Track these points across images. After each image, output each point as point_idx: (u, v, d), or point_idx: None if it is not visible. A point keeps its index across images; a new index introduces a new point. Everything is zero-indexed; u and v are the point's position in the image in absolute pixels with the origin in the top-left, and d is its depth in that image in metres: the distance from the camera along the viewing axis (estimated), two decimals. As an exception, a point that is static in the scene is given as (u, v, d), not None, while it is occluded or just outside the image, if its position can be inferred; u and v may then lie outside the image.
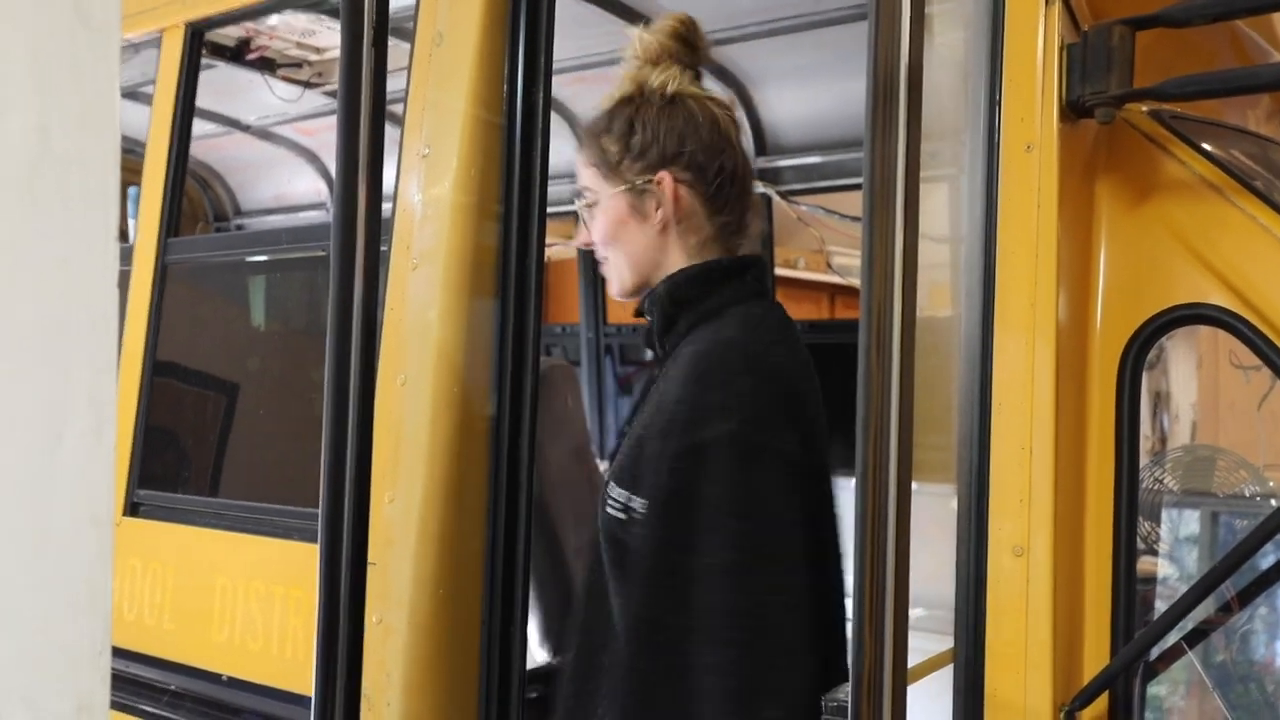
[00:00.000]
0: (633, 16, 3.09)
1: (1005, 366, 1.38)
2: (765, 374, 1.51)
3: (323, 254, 2.68)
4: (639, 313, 1.71)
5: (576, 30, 3.08)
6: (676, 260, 1.63)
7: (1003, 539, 1.36)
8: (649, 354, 5.32)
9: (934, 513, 1.44)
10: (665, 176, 1.61)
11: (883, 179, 1.16)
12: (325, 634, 1.60)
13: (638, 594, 1.51)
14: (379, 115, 1.61)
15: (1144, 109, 1.50)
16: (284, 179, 4.74)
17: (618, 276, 1.68)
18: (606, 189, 1.65)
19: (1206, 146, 1.47)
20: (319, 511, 1.60)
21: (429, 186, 1.88)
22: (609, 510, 1.57)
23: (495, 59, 1.88)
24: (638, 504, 1.53)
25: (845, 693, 1.22)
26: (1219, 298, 1.39)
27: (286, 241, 2.52)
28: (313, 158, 4.53)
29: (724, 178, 1.62)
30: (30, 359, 0.67)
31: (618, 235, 1.65)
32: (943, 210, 1.44)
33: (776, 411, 1.48)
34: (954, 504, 1.43)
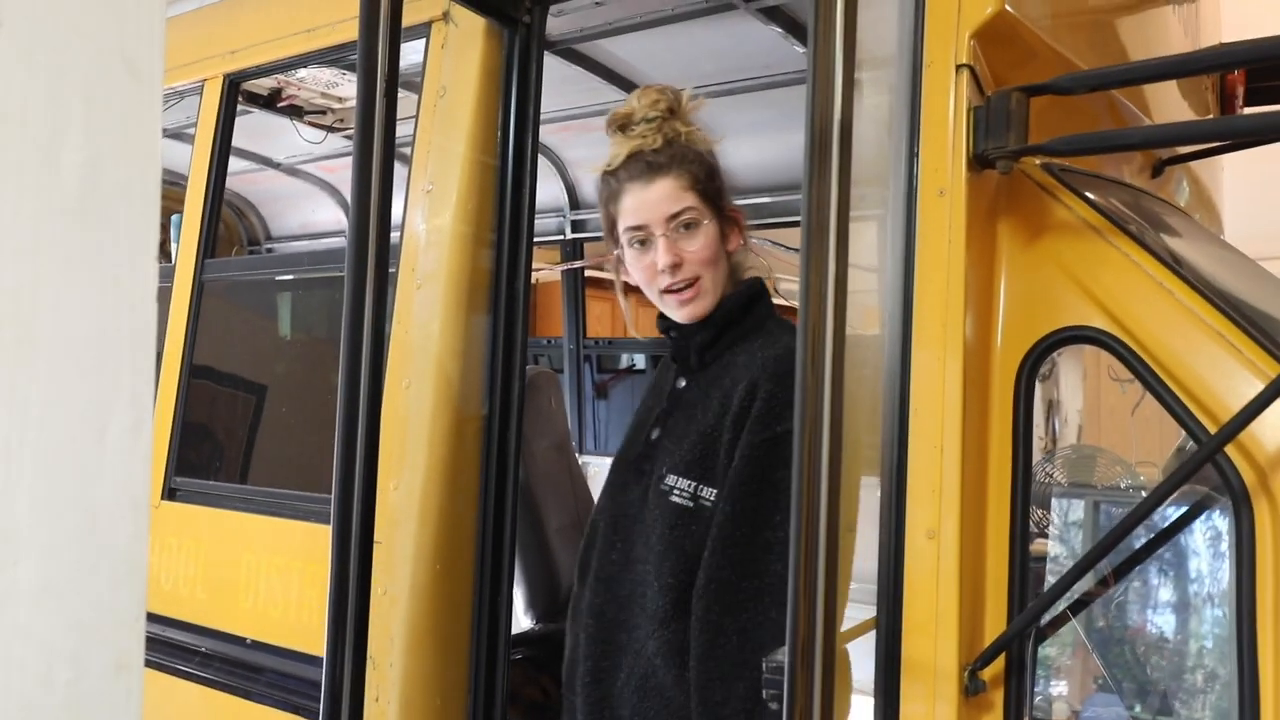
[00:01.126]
0: (612, 77, 3.12)
1: (921, 377, 1.39)
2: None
3: (339, 274, 2.67)
4: (668, 330, 1.65)
5: (562, 86, 3.09)
6: (723, 293, 1.61)
7: (918, 523, 1.37)
8: (624, 362, 5.27)
9: (862, 502, 1.44)
10: (738, 212, 1.62)
11: (818, 217, 1.17)
12: (336, 603, 1.59)
13: (716, 560, 1.48)
14: (389, 156, 1.61)
15: (1038, 162, 1.51)
16: (309, 210, 4.71)
17: (711, 295, 1.59)
18: (707, 211, 1.58)
19: (1089, 195, 1.48)
20: (332, 497, 1.59)
21: (432, 217, 1.87)
22: (673, 500, 1.54)
23: (490, 109, 1.88)
24: (708, 493, 1.51)
25: (783, 654, 1.22)
26: (1099, 321, 1.40)
27: (306, 263, 2.51)
28: (334, 191, 4.51)
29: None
30: (80, 364, 0.67)
31: (718, 256, 1.59)
32: (870, 244, 1.44)
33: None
34: (877, 494, 1.44)
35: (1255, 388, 1.26)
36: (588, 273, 4.40)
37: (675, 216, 1.57)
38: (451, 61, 1.90)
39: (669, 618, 1.50)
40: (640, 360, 4.61)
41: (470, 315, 1.86)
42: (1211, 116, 2.05)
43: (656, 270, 1.58)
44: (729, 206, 1.63)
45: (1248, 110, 2.47)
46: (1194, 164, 2.12)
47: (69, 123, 0.68)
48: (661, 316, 1.67)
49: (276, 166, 4.30)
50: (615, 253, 1.67)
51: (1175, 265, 1.38)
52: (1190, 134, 1.32)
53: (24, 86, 0.64)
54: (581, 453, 4.12)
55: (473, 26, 1.88)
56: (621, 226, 1.62)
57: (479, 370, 1.87)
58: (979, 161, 1.39)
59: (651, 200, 1.58)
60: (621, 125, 1.63)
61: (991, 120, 1.34)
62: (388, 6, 1.58)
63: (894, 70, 1.43)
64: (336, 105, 3.78)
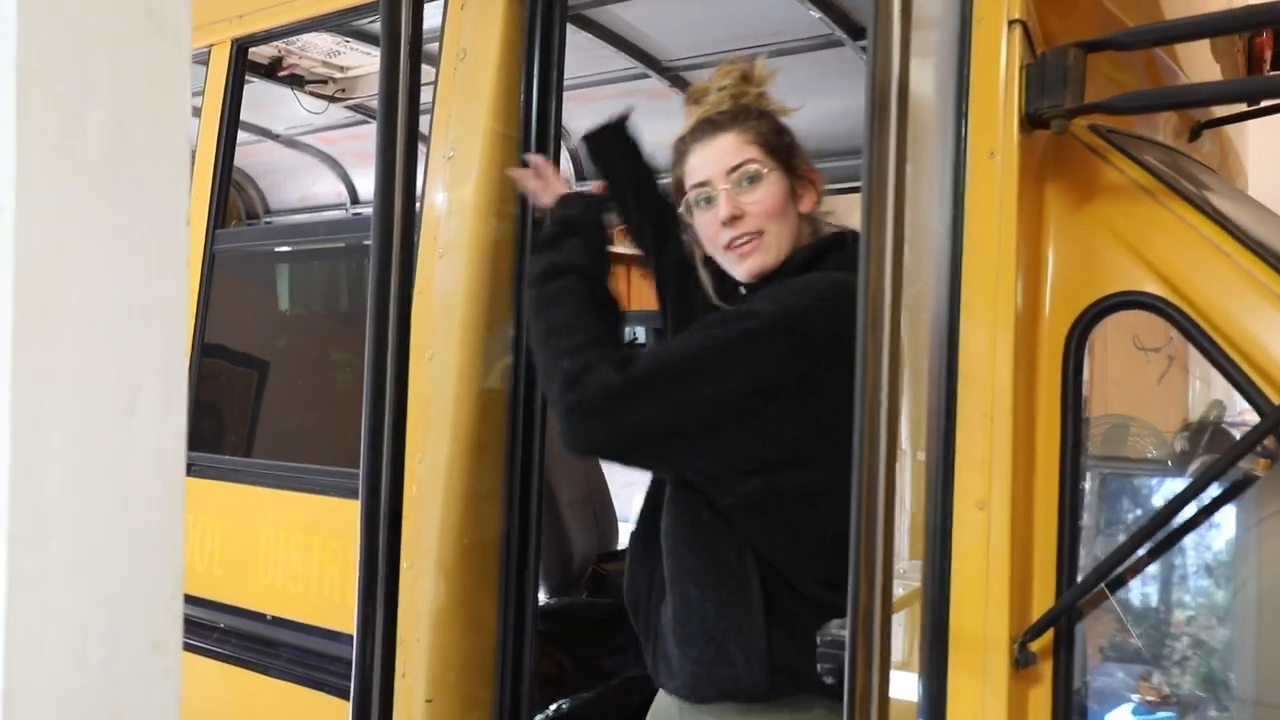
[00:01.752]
0: (621, 44, 3.05)
1: (970, 343, 1.35)
2: (842, 307, 1.38)
3: (343, 245, 2.62)
4: (741, 293, 1.61)
5: (569, 54, 3.03)
6: (789, 249, 1.56)
7: (967, 494, 1.33)
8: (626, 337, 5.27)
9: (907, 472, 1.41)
10: (814, 171, 1.57)
11: (878, 179, 1.13)
12: (366, 579, 1.55)
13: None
14: (413, 120, 1.55)
15: (1084, 123, 1.47)
16: (308, 182, 4.64)
17: (775, 250, 1.54)
18: (772, 164, 1.54)
19: (1139, 156, 1.44)
20: (360, 471, 1.55)
21: (453, 186, 1.82)
22: None
23: (513, 73, 1.82)
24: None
25: (837, 627, 1.18)
26: (1152, 286, 1.36)
27: (323, 233, 2.45)
28: (334, 164, 4.44)
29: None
30: (109, 334, 0.64)
31: (784, 210, 1.54)
32: (918, 209, 1.40)
33: (821, 338, 1.40)
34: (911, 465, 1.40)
35: (1319, 353, 1.22)
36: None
37: (736, 169, 1.53)
38: (471, 24, 1.84)
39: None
40: (641, 334, 4.56)
41: (494, 285, 1.81)
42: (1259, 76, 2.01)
43: (719, 225, 1.54)
44: (803, 165, 1.58)
45: (1273, 72, 2.42)
46: (1227, 128, 2.07)
47: (94, 81, 0.63)
48: (724, 281, 1.63)
49: (275, 138, 4.22)
50: (689, 224, 1.64)
51: (1232, 228, 1.34)
52: (1257, 89, 1.27)
53: (48, 43, 0.59)
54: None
55: (494, -13, 1.82)
56: (688, 186, 1.59)
57: (503, 341, 1.83)
58: (1031, 121, 1.34)
59: (713, 155, 1.55)
60: (696, 99, 1.62)
61: (1048, 78, 1.29)
62: (412, -37, 1.52)
63: (942, 28, 1.38)
64: (338, 75, 3.71)
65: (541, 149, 1.82)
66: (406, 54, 1.52)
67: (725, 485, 1.43)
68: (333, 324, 2.49)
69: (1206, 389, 2.56)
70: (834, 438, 1.42)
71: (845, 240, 1.57)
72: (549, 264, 1.53)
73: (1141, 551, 1.34)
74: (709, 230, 1.57)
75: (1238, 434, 2.50)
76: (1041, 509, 1.38)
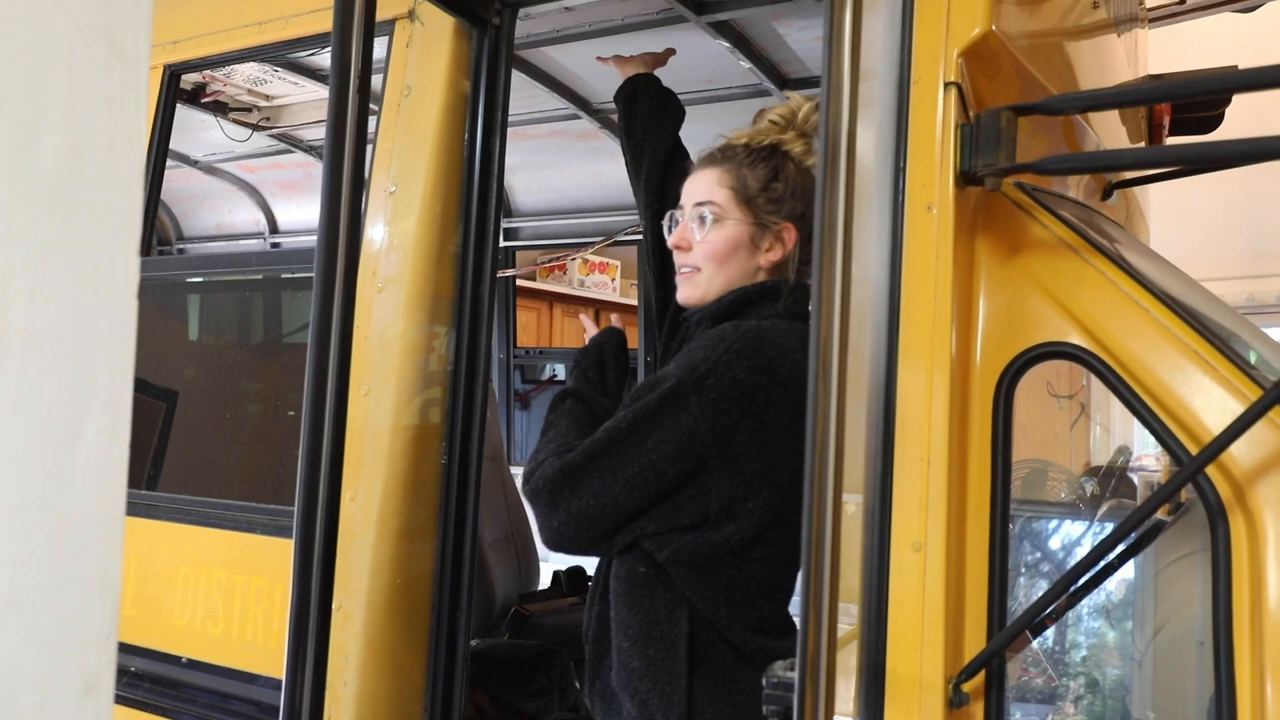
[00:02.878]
0: (554, 85, 3.08)
1: (908, 389, 1.39)
2: (758, 359, 1.46)
3: (274, 275, 2.57)
4: (684, 317, 1.69)
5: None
6: (721, 290, 1.62)
7: (904, 536, 1.37)
8: (545, 374, 5.23)
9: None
10: (790, 228, 1.60)
11: (829, 228, 1.16)
12: (297, 621, 1.51)
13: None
14: (360, 156, 1.54)
15: (1011, 181, 1.54)
16: (225, 210, 4.53)
17: (704, 288, 1.61)
18: (736, 214, 1.60)
19: (1062, 214, 1.51)
20: (294, 509, 1.51)
21: (395, 220, 1.80)
22: None
23: (458, 111, 1.82)
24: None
25: (781, 669, 1.20)
26: (1076, 337, 1.43)
27: (223, 266, 2.39)
28: (253, 192, 4.35)
29: (811, 248, 1.59)
30: (53, 361, 0.62)
31: (729, 257, 1.60)
32: (858, 258, 1.44)
33: (732, 391, 1.44)
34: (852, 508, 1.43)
35: (1230, 405, 1.30)
36: (518, 282, 4.33)
37: (700, 204, 1.62)
38: (417, 60, 1.84)
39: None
40: (562, 371, 4.57)
41: (433, 321, 1.79)
42: (1170, 143, 2.13)
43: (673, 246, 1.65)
44: (779, 221, 1.61)
45: (1171, 140, 2.57)
46: (1135, 189, 2.19)
47: (50, 104, 0.62)
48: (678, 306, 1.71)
49: (194, 164, 4.12)
50: None
51: (1146, 283, 1.41)
52: (1179, 156, 1.35)
53: (3, 65, 0.58)
54: (511, 463, 4.05)
55: (440, 26, 1.82)
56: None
57: (442, 377, 1.81)
58: (965, 178, 1.40)
59: (693, 184, 1.65)
60: (755, 119, 1.71)
61: (981, 138, 1.35)
62: (362, 1, 1.52)
63: (882, 85, 1.43)
64: (263, 103, 3.64)
65: (484, 185, 1.82)
66: (355, 89, 1.51)
67: (662, 541, 1.45)
68: (256, 356, 2.43)
69: (1107, 436, 2.67)
70: (762, 488, 1.45)
71: (779, 291, 1.60)
72: (557, 395, 1.65)
73: (1065, 595, 1.39)
74: (669, 246, 1.67)
75: (1136, 478, 2.62)
76: (973, 550, 1.43)
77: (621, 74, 2.18)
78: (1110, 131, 2.07)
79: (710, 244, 1.60)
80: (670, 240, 1.64)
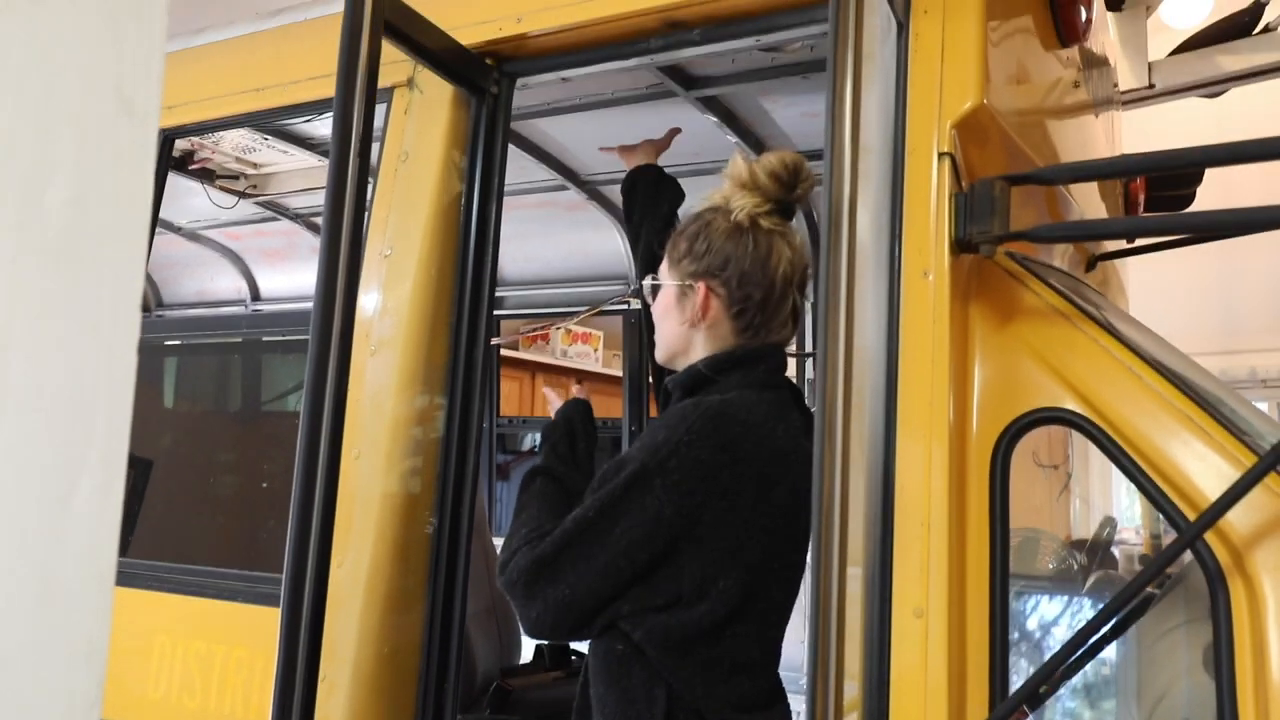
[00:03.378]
0: (543, 156, 3.12)
1: (907, 454, 1.39)
2: (717, 438, 1.42)
3: (239, 340, 2.56)
4: (660, 389, 1.70)
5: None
6: (699, 351, 1.60)
7: (905, 602, 1.36)
8: (526, 444, 5.18)
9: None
10: (701, 286, 1.58)
11: (831, 295, 1.17)
12: (282, 693, 1.46)
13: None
14: (358, 221, 1.54)
15: (1002, 249, 1.57)
16: (206, 277, 4.52)
17: (662, 351, 1.66)
18: (666, 277, 1.63)
19: (1053, 282, 1.54)
20: (283, 575, 1.48)
21: (389, 284, 1.81)
22: None
23: (454, 178, 1.84)
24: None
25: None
26: (1070, 404, 1.44)
27: (198, 329, 2.38)
28: (236, 259, 4.34)
29: (750, 305, 1.56)
30: (50, 416, 0.61)
31: (662, 318, 1.64)
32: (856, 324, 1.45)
33: (694, 472, 1.41)
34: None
35: (1226, 470, 1.31)
36: (501, 350, 4.33)
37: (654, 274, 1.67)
38: (415, 127, 1.86)
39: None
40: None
41: (427, 385, 1.79)
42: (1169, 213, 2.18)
43: None
44: (703, 279, 1.57)
45: (1145, 213, 2.64)
46: (1116, 262, 2.24)
47: (59, 159, 0.62)
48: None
49: (178, 231, 4.12)
50: None
51: (1140, 350, 1.44)
52: (1182, 225, 1.38)
53: (13, 118, 0.58)
54: (495, 534, 4.00)
55: (438, 94, 1.85)
56: None
57: (433, 444, 1.79)
58: (960, 245, 1.43)
59: None
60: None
61: (976, 206, 1.38)
62: (365, 68, 1.54)
63: (877, 156, 1.46)
64: (250, 171, 3.67)
65: (479, 251, 1.83)
66: (356, 151, 1.52)
67: (636, 621, 1.43)
68: (236, 419, 2.40)
69: (1087, 507, 2.69)
70: (733, 568, 1.43)
71: (748, 360, 1.56)
72: (528, 472, 1.63)
73: (1064, 666, 1.38)
74: None
75: (1118, 552, 2.62)
76: (974, 617, 1.42)
77: (626, 164, 2.26)
78: (1090, 207, 2.12)
79: (655, 309, 1.66)
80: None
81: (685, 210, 2.09)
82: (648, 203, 2.11)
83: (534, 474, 1.61)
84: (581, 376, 6.20)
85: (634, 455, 1.45)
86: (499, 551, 1.52)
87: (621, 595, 1.42)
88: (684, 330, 1.59)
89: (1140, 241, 2.24)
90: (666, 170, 3.29)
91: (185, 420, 2.57)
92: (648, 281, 1.69)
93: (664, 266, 1.64)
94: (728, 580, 1.43)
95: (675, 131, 2.38)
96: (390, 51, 1.63)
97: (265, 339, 2.56)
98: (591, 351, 6.34)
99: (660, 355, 1.66)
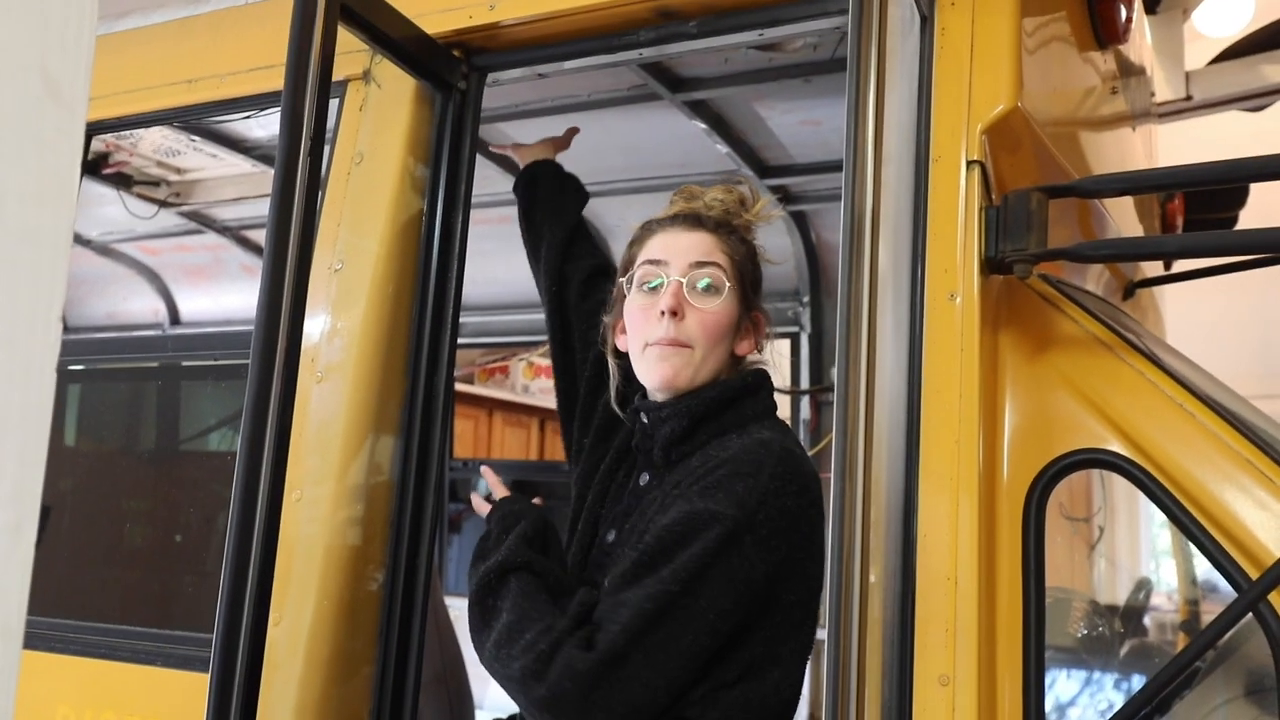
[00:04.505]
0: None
1: (930, 500, 1.39)
2: (796, 482, 1.42)
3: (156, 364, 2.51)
4: (636, 410, 1.60)
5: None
6: (707, 375, 1.55)
7: (929, 669, 1.35)
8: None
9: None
10: (762, 315, 1.62)
11: (854, 322, 1.17)
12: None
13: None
14: (308, 231, 1.52)
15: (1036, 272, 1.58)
16: (118, 297, 4.45)
17: (694, 370, 1.52)
18: (734, 289, 1.55)
19: (1091, 309, 1.55)
20: (213, 635, 1.44)
21: (339, 301, 1.79)
22: None
23: (415, 183, 1.83)
24: None
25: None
26: (1114, 444, 1.45)
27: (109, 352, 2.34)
28: (154, 277, 4.29)
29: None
30: None
31: (724, 337, 1.55)
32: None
33: (781, 525, 1.39)
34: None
35: (1290, 520, 1.31)
36: (455, 385, 4.31)
37: (702, 265, 1.54)
38: (371, 125, 1.85)
39: None
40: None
41: (380, 416, 1.76)
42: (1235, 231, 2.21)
43: (656, 313, 1.52)
44: (756, 308, 1.62)
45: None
46: (1154, 290, 2.27)
47: None
48: (634, 395, 1.64)
49: (87, 244, 4.07)
50: (613, 311, 1.67)
51: (1191, 385, 1.44)
52: (1236, 244, 1.38)
53: None
54: (446, 593, 3.95)
55: (399, 89, 1.84)
56: (638, 261, 1.59)
57: (387, 482, 1.77)
58: (991, 265, 1.44)
59: (684, 244, 1.56)
60: (687, 196, 1.66)
61: (1010, 221, 1.39)
62: (319, 56, 1.53)
63: (896, 164, 1.47)
64: (174, 176, 3.64)
65: (443, 266, 1.82)
66: (307, 150, 1.51)
67: (708, 702, 1.38)
68: (151, 460, 2.36)
69: (1114, 568, 2.70)
70: (801, 624, 1.43)
71: (762, 384, 1.60)
72: (495, 564, 1.47)
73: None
74: (639, 317, 1.56)
75: (1148, 620, 2.63)
76: (1005, 686, 1.41)
77: (520, 160, 2.17)
78: (1126, 229, 2.15)
79: (713, 316, 1.53)
80: (665, 304, 1.51)
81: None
82: (551, 199, 2.03)
83: (506, 570, 1.45)
84: (545, 416, 6.18)
85: (718, 512, 1.36)
86: (487, 657, 1.42)
87: (681, 681, 1.35)
88: (727, 360, 1.58)
89: (1181, 268, 2.27)
90: (650, 182, 3.31)
91: (91, 459, 2.51)
92: (702, 274, 1.54)
93: (729, 274, 1.54)
94: (796, 640, 1.42)
95: (574, 131, 2.32)
96: (345, 40, 1.62)
97: (187, 364, 2.52)
98: (556, 387, 6.33)
99: (700, 379, 1.54)
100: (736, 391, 1.54)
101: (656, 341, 1.52)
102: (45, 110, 0.66)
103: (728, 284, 1.54)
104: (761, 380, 1.60)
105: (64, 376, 2.47)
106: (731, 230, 1.60)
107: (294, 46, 1.51)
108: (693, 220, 1.59)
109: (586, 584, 1.52)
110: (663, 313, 1.51)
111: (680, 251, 1.55)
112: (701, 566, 1.33)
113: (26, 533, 0.63)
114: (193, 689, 1.73)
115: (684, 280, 1.53)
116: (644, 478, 1.58)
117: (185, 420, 2.45)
